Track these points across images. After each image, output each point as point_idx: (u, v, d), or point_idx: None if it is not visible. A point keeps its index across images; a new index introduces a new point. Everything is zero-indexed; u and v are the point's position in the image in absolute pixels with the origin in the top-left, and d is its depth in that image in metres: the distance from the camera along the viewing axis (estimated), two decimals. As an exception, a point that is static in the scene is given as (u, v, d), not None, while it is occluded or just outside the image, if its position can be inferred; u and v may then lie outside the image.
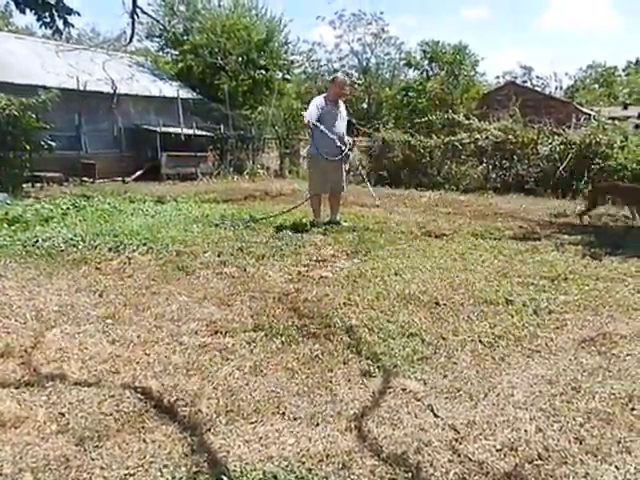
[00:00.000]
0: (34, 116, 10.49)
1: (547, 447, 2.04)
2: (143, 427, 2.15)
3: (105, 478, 1.84)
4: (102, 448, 2.00)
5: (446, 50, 26.38)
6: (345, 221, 6.88)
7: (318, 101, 6.59)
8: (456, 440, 2.09)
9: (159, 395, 2.41)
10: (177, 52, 21.82)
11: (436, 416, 2.27)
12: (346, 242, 5.67)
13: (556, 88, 33.11)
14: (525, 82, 31.36)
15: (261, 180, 14.72)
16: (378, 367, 2.71)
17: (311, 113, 6.40)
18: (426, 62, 26.89)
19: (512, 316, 3.46)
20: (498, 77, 33.89)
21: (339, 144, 6.49)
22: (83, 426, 2.14)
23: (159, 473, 1.87)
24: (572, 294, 3.94)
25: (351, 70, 29.72)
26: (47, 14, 9.47)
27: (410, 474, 1.88)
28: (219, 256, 4.95)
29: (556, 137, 11.65)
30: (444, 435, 2.13)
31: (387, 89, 28.96)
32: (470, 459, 1.97)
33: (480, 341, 3.05)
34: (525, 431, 2.15)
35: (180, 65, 20.99)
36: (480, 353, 2.91)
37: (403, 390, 2.49)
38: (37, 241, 5.16)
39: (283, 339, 3.05)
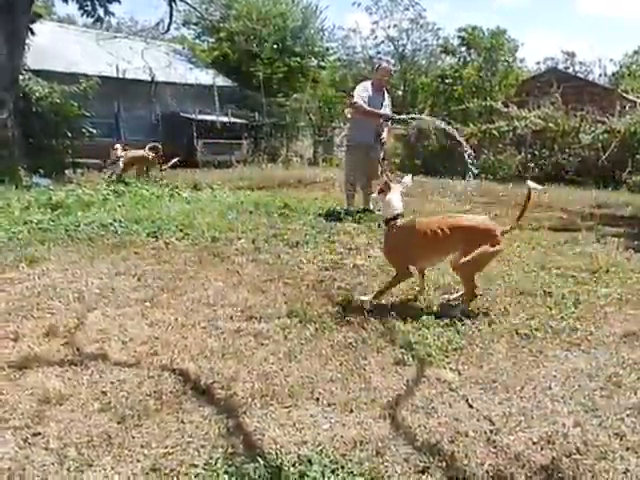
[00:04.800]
0: (75, 104, 10.73)
1: (586, 442, 2.00)
2: (181, 408, 2.21)
3: (145, 456, 1.90)
4: (142, 427, 2.07)
5: (484, 36, 25.67)
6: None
7: (365, 85, 6.56)
8: (492, 431, 2.07)
9: (196, 377, 2.46)
10: (213, 40, 21.97)
11: (471, 407, 2.25)
12: (379, 230, 5.63)
13: (600, 75, 31.77)
14: (567, 68, 30.21)
15: (294, 168, 14.74)
16: (412, 356, 2.69)
17: (361, 95, 6.37)
18: (463, 48, 26.24)
19: (550, 308, 3.38)
20: (539, 63, 32.60)
21: (379, 132, 6.47)
22: (124, 405, 2.21)
23: (197, 453, 1.92)
24: (613, 287, 3.83)
25: (386, 56, 29.29)
26: (89, 3, 9.69)
27: (444, 463, 1.88)
28: (253, 243, 5.01)
29: (599, 125, 11.27)
30: (479, 426, 2.11)
31: (423, 76, 28.47)
32: (506, 451, 1.95)
33: (517, 333, 3.00)
34: (563, 425, 2.11)
35: (216, 53, 21.14)
36: (517, 345, 2.86)
37: (437, 380, 2.47)
38: (79, 226, 5.33)
39: (317, 326, 3.06)
